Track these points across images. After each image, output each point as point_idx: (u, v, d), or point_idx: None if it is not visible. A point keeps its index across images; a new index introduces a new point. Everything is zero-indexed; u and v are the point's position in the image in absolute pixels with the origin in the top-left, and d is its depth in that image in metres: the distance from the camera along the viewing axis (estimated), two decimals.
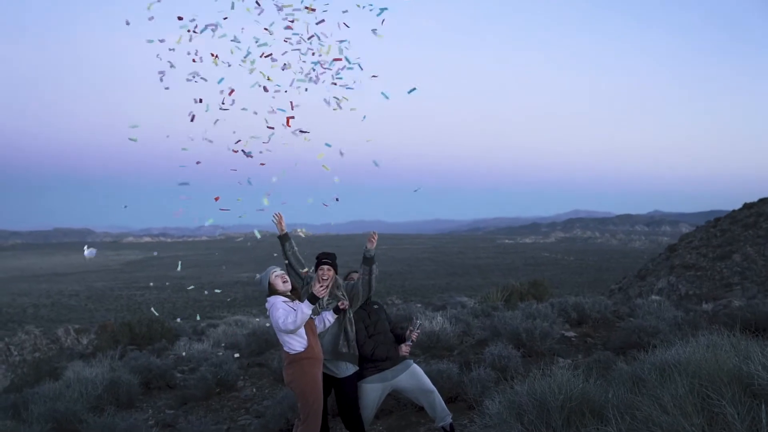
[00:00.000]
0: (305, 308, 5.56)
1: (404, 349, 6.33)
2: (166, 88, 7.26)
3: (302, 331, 5.80)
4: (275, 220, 6.57)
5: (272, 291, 5.87)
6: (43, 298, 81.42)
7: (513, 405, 4.81)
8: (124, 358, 13.21)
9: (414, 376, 6.35)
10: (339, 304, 6.00)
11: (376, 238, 6.23)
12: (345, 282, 6.41)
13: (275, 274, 5.93)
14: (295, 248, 6.46)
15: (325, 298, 6.07)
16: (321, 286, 5.58)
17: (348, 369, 6.12)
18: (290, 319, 5.60)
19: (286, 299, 5.80)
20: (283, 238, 6.51)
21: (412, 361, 6.49)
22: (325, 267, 6.19)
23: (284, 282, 5.91)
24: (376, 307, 6.49)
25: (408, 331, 6.40)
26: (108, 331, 18.93)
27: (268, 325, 13.57)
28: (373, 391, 6.24)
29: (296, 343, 5.80)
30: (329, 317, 6.04)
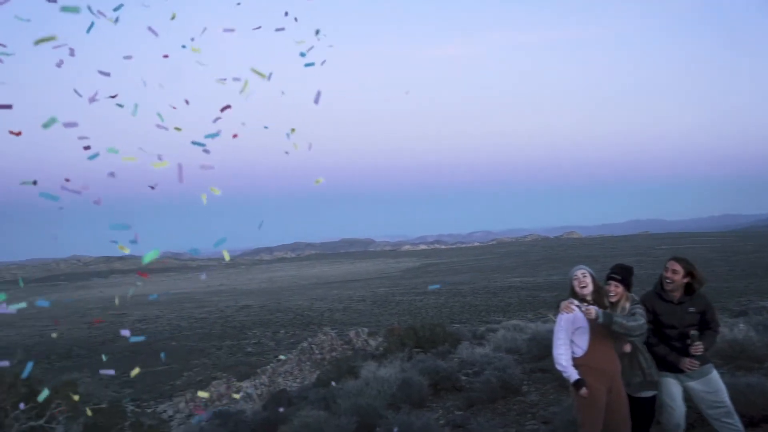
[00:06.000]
0: (570, 373, 5.57)
1: (686, 363, 5.71)
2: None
3: (585, 335, 5.61)
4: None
5: (571, 292, 5.77)
6: (336, 303, 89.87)
7: None
8: (411, 360, 14.05)
9: (709, 385, 5.75)
10: (623, 345, 5.71)
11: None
12: (632, 305, 5.79)
13: (574, 276, 5.76)
14: (624, 322, 5.53)
15: (625, 310, 5.72)
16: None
17: (643, 392, 5.78)
18: (559, 350, 5.63)
19: (579, 304, 5.65)
20: (607, 322, 5.54)
21: (712, 366, 5.89)
22: (612, 283, 5.85)
23: (582, 287, 5.68)
24: (691, 311, 5.85)
25: (687, 345, 5.78)
26: (395, 335, 20.28)
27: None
28: (670, 384, 5.82)
29: (576, 347, 5.64)
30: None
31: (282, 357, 29.11)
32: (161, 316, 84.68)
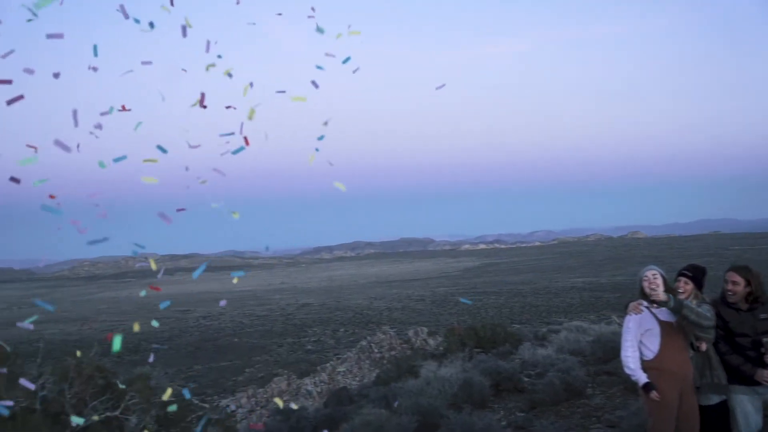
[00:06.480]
0: (638, 377, 5.52)
1: (765, 375, 5.40)
2: None
3: (655, 337, 5.45)
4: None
5: (641, 293, 5.60)
6: (395, 302, 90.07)
7: None
8: (472, 360, 13.97)
9: None
10: (696, 344, 5.52)
11: None
12: (700, 303, 5.56)
13: (644, 277, 5.56)
14: (695, 308, 5.36)
15: (693, 301, 5.54)
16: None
17: (710, 398, 5.58)
18: (627, 352, 5.55)
19: (649, 304, 5.50)
20: (677, 307, 5.35)
21: None
22: (682, 279, 5.69)
23: (652, 288, 5.42)
24: (763, 317, 5.52)
25: (763, 354, 5.48)
26: (456, 335, 20.19)
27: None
28: (743, 397, 5.54)
29: (646, 350, 5.49)
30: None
31: (341, 369, 29.46)
32: (224, 313, 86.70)
